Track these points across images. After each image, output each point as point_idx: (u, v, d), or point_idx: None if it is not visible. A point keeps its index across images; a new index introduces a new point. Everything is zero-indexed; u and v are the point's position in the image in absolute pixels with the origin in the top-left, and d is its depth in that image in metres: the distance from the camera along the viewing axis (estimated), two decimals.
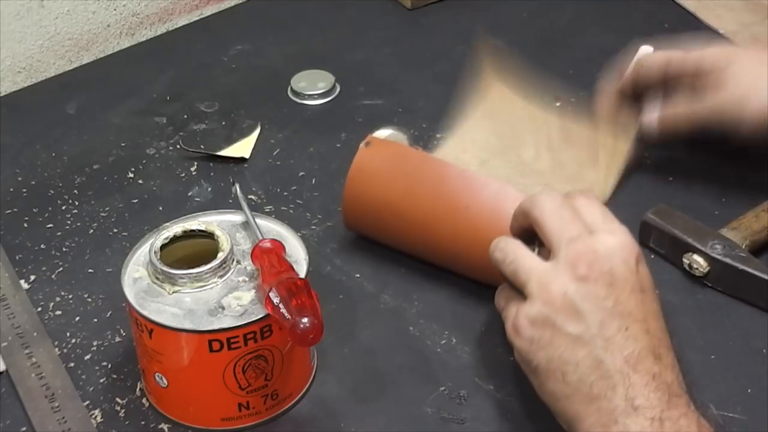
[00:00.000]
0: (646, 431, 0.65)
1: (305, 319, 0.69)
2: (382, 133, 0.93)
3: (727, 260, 0.84)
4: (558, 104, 1.06)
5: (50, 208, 0.97)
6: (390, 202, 0.86)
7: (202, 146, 1.04)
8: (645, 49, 1.05)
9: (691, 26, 1.19)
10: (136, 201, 0.98)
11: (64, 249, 0.93)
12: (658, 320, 0.71)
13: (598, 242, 0.71)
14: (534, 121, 1.03)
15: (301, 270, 0.76)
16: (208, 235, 0.77)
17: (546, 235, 0.73)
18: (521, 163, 0.98)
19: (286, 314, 0.69)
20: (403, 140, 0.95)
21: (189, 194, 0.99)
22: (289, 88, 1.12)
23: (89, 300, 0.88)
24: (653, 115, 0.94)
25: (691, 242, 0.86)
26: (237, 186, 0.85)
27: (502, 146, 1.01)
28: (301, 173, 1.01)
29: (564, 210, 0.73)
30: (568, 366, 0.69)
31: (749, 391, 0.79)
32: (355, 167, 0.88)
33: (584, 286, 0.69)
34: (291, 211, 0.96)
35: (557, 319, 0.70)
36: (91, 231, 0.95)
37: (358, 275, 0.90)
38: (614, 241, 0.71)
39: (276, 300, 0.70)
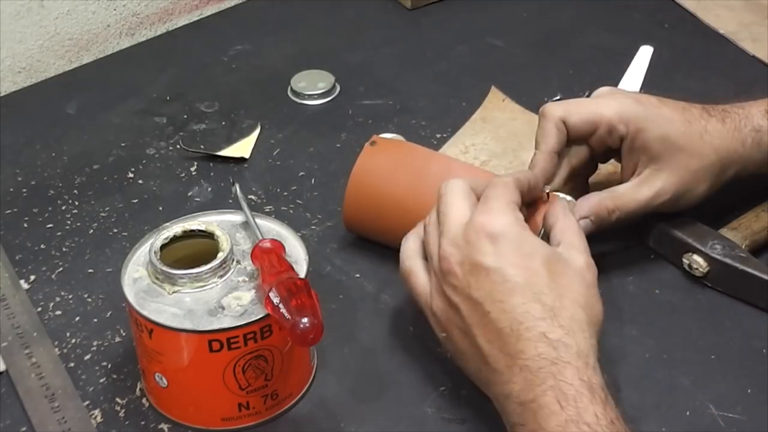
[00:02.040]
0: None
1: (305, 319, 0.69)
2: (385, 137, 0.93)
3: (727, 260, 0.84)
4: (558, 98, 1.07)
5: (50, 208, 0.97)
6: (393, 202, 0.86)
7: (202, 146, 1.04)
8: (645, 49, 1.05)
9: (691, 26, 1.20)
10: (136, 201, 0.98)
11: (64, 249, 0.93)
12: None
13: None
14: (532, 126, 1.03)
15: (301, 270, 0.76)
16: (208, 235, 0.77)
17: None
18: (521, 164, 0.98)
19: (285, 314, 0.69)
20: None
21: (189, 194, 0.99)
22: (289, 88, 1.12)
23: (89, 300, 0.88)
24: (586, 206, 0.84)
25: (691, 242, 0.86)
26: (237, 186, 0.85)
27: (502, 149, 1.01)
28: (301, 173, 1.01)
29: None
30: (463, 356, 0.73)
31: (749, 391, 0.78)
32: (359, 167, 0.87)
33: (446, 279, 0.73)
34: (291, 211, 0.96)
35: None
36: (91, 231, 0.95)
37: (358, 275, 0.90)
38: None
39: (276, 300, 0.70)
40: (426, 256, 0.77)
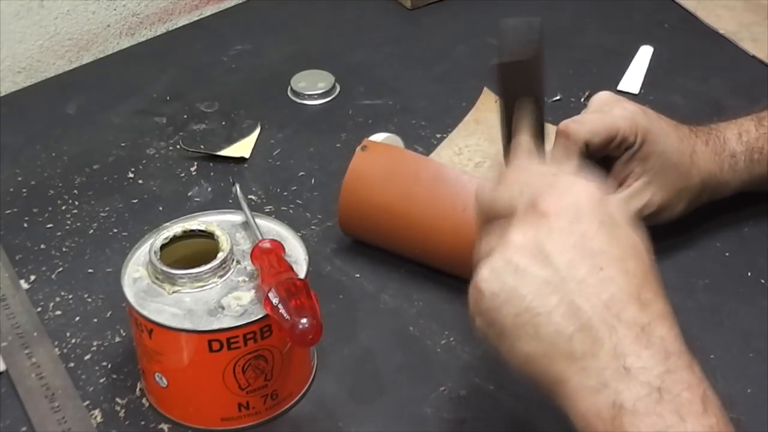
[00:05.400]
0: (642, 403, 0.56)
1: (304, 320, 0.69)
2: (378, 137, 0.93)
3: None
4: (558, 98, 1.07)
5: (50, 208, 0.97)
6: (387, 205, 0.86)
7: (202, 146, 1.04)
8: (645, 49, 1.05)
9: (691, 26, 1.20)
10: (136, 201, 0.98)
11: (64, 249, 0.93)
12: (639, 260, 0.61)
13: (557, 180, 0.63)
14: None
15: (301, 270, 0.76)
16: (208, 235, 0.77)
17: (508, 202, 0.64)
18: None
19: (285, 315, 0.69)
20: (399, 144, 0.96)
21: (189, 194, 0.99)
22: (289, 88, 1.12)
23: (89, 300, 0.88)
24: None
25: None
26: (237, 186, 0.85)
27: (496, 150, 1.01)
28: (301, 173, 1.01)
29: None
30: (540, 317, 0.58)
31: (749, 391, 0.79)
32: (351, 172, 0.87)
33: (546, 222, 0.60)
34: (291, 211, 0.96)
35: (519, 262, 0.60)
36: (91, 231, 0.95)
37: (358, 275, 0.90)
38: (575, 178, 0.63)
39: (275, 300, 0.70)
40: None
